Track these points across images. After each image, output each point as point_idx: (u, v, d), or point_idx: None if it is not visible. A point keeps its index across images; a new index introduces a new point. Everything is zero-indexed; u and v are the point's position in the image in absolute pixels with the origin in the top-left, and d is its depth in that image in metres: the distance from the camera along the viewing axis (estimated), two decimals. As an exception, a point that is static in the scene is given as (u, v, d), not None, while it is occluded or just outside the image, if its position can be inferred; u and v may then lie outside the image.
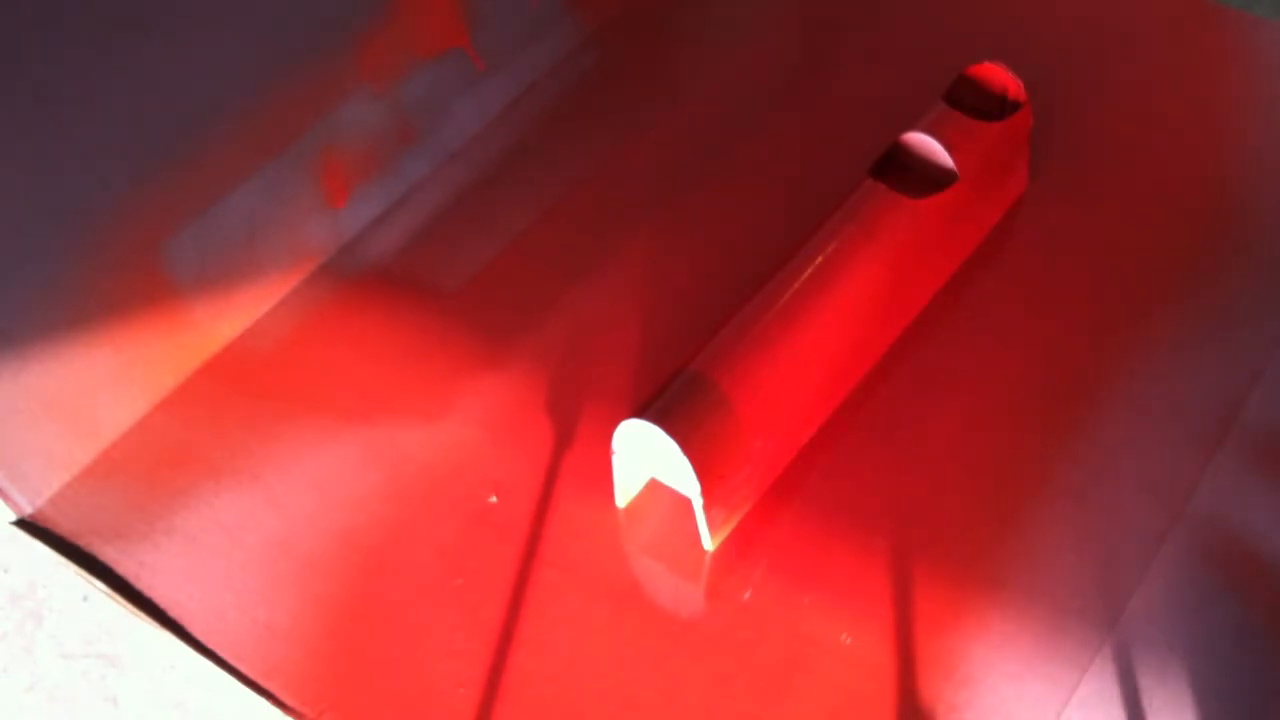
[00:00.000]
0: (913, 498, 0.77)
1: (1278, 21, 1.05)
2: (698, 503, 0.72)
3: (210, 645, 0.73)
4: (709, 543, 0.74)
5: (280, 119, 0.87)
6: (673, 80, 1.02)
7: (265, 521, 0.77)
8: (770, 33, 1.05)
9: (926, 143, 0.82)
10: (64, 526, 0.78)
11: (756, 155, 0.96)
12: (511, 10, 1.00)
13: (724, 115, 0.99)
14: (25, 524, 0.78)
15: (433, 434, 0.81)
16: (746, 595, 0.73)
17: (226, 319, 0.86)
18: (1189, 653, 0.70)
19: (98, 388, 0.80)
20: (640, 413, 0.71)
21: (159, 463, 0.80)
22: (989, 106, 0.86)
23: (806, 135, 0.97)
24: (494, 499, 0.78)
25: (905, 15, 1.05)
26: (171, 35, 0.80)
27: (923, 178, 0.83)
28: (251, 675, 0.71)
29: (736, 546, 0.75)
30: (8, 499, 0.77)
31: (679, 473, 0.72)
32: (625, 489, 0.76)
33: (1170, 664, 0.69)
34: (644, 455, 0.73)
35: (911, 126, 0.83)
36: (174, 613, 0.74)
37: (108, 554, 0.76)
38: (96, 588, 0.76)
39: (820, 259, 0.77)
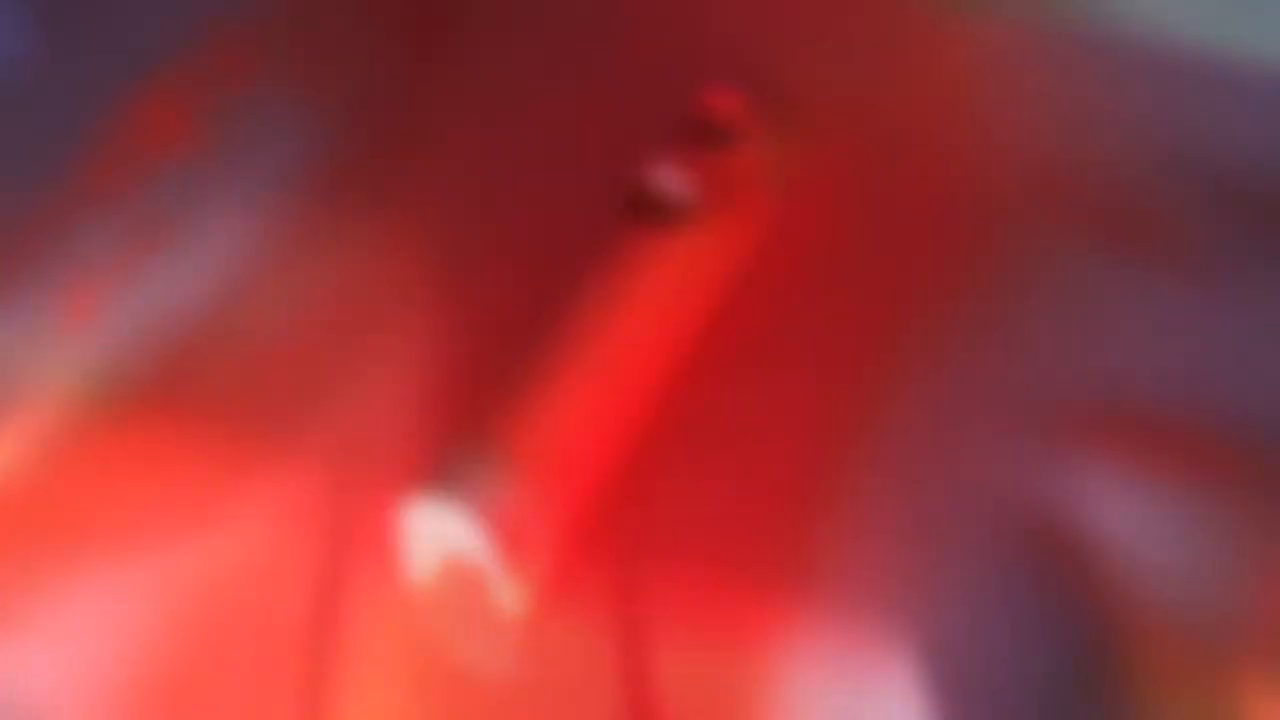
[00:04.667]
0: (721, 524, 0.77)
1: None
2: (496, 569, 0.71)
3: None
4: (515, 606, 0.73)
5: (12, 250, 0.83)
6: (424, 154, 1.02)
7: (45, 677, 0.73)
8: (516, 91, 1.06)
9: (670, 178, 0.83)
10: None
11: (517, 217, 0.96)
12: (246, 107, 0.98)
13: (485, 180, 0.99)
14: None
15: (220, 544, 0.78)
16: (563, 649, 0.72)
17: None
18: (1036, 634, 0.71)
19: None
20: (425, 489, 0.70)
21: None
22: (728, 132, 0.87)
23: (561, 187, 0.97)
24: (290, 601, 0.75)
25: (644, 54, 1.07)
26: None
27: (675, 213, 0.84)
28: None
29: (548, 602, 0.74)
30: None
31: (473, 543, 0.70)
32: (423, 566, 0.75)
33: (1017, 647, 0.70)
34: (437, 530, 0.72)
35: (655, 164, 0.84)
36: None
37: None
38: None
39: (583, 309, 0.77)
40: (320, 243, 0.96)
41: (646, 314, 0.79)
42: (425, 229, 0.96)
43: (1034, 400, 0.80)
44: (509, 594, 0.72)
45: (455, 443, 0.73)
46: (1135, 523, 0.74)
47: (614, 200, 0.84)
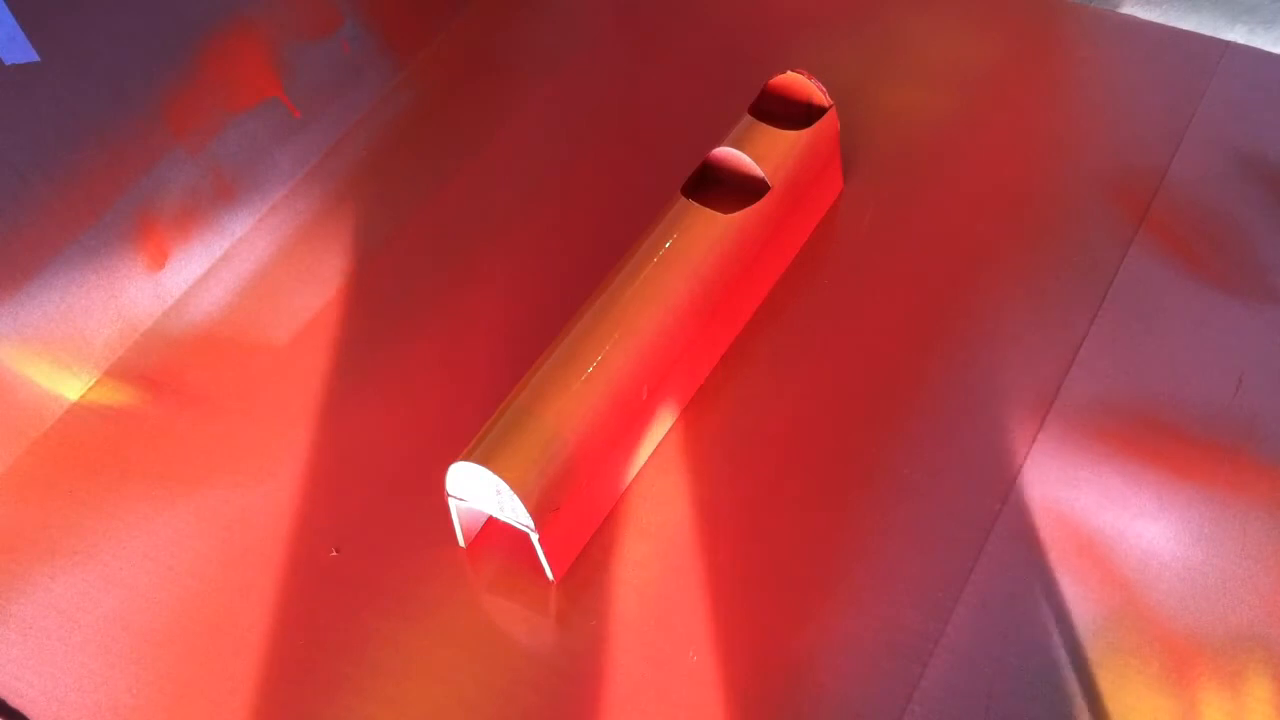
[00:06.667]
0: (750, 511, 0.78)
1: (1097, 8, 1.07)
2: (534, 537, 0.72)
3: (52, 732, 0.71)
4: (552, 574, 0.75)
5: (89, 188, 0.86)
6: (490, 114, 1.02)
7: (102, 600, 0.76)
8: (582, 60, 1.06)
9: (735, 156, 0.83)
10: (-106, 625, 0.76)
11: (578, 183, 0.96)
12: (324, 55, 0.99)
13: (544, 145, 0.99)
14: None
15: (271, 491, 0.81)
16: (594, 622, 0.74)
17: (51, 397, 0.85)
18: (1028, 632, 0.71)
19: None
20: (467, 454, 0.72)
21: (-10, 551, 0.79)
22: (796, 114, 0.87)
23: (626, 159, 0.97)
24: (335, 553, 0.77)
25: (714, 35, 1.06)
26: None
27: (737, 191, 0.84)
28: (96, 759, 0.70)
29: (582, 573, 0.76)
30: None
31: (513, 509, 0.72)
32: (465, 530, 0.77)
33: (1010, 646, 0.71)
34: (478, 495, 0.73)
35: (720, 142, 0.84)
36: (14, 702, 0.73)
37: (-59, 649, 0.75)
38: (-68, 685, 0.74)
39: (636, 281, 0.78)
40: (380, 197, 0.97)
41: (695, 291, 0.79)
42: (480, 191, 0.97)
43: (1070, 401, 0.80)
44: (544, 559, 0.74)
45: (496, 414, 0.74)
46: (1160, 524, 0.74)
47: (682, 175, 0.84)
